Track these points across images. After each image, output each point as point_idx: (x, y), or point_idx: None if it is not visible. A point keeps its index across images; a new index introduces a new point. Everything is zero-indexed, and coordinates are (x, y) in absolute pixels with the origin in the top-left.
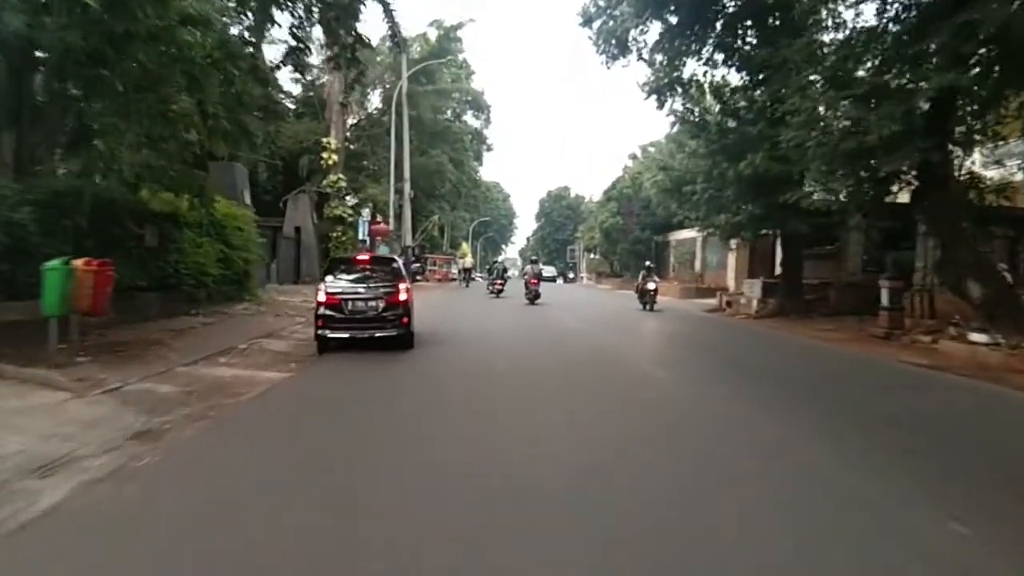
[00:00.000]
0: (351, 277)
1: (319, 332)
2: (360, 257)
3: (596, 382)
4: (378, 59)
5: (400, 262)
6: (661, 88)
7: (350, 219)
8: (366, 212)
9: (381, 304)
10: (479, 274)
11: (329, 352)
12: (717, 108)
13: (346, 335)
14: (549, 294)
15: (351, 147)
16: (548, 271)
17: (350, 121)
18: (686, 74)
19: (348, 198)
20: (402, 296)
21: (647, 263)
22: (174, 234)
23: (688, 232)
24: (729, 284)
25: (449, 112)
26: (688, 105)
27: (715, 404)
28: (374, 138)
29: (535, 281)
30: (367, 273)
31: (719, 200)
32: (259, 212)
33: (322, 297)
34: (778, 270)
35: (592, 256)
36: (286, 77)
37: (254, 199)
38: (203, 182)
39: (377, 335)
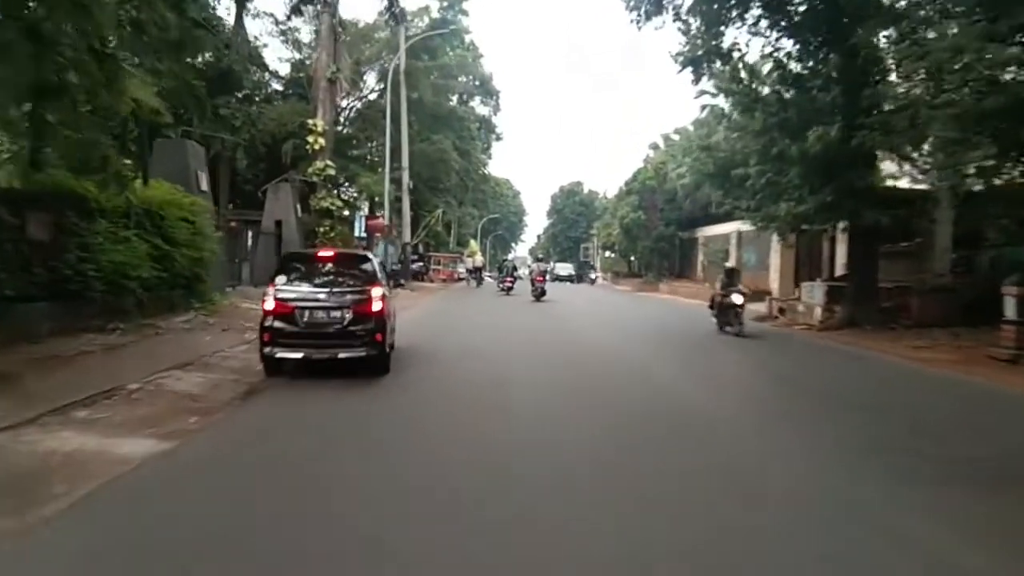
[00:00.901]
0: (310, 279)
1: (265, 350)
2: (323, 253)
3: (662, 455)
4: (376, 36)
5: (375, 260)
6: (697, 59)
7: (339, 212)
8: (364, 206)
9: (347, 315)
10: (489, 273)
11: (269, 389)
12: (768, 76)
13: (299, 355)
14: (566, 296)
15: (343, 131)
16: (564, 268)
17: (344, 103)
18: (726, 43)
19: (343, 187)
20: (375, 305)
21: (727, 264)
22: (79, 226)
23: (721, 227)
24: (772, 287)
25: (455, 99)
26: (735, 74)
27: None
28: (370, 121)
29: (541, 278)
30: (331, 274)
31: (777, 186)
32: (239, 204)
33: (270, 304)
34: (837, 270)
35: (608, 254)
36: (273, 56)
37: (232, 188)
38: (107, 152)
39: (341, 356)
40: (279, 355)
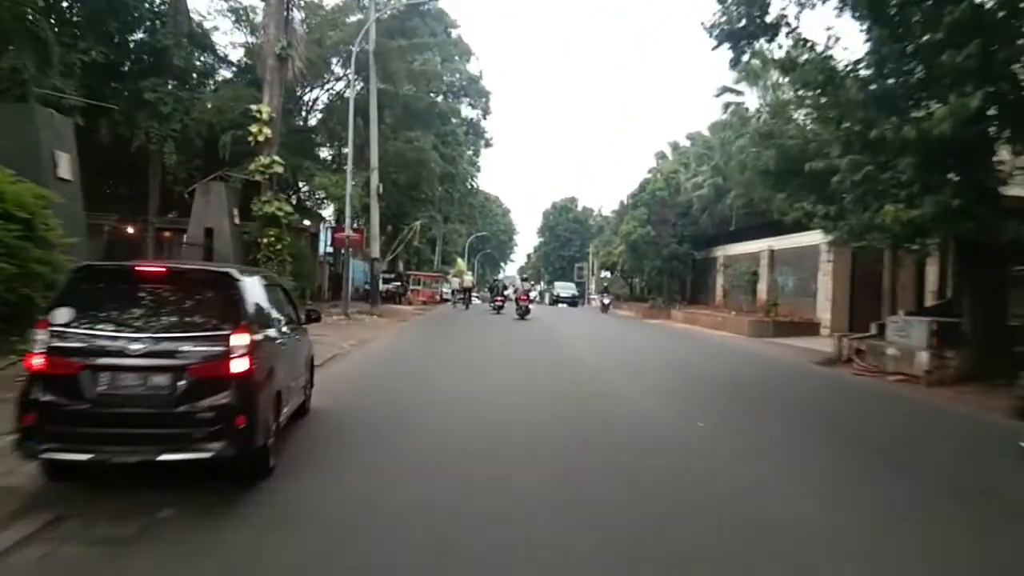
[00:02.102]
0: (117, 314)
1: (25, 444)
2: (144, 268)
3: None
4: (346, 19)
5: (245, 282)
6: (737, 32)
7: (289, 219)
8: (328, 214)
9: (182, 381)
10: (478, 294)
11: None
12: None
13: (84, 457)
14: (564, 324)
15: (305, 125)
16: (565, 289)
17: (308, 94)
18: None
19: (301, 191)
20: (236, 363)
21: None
22: None
23: (746, 245)
24: (821, 316)
25: (440, 98)
26: (799, 44)
27: None
28: (338, 117)
29: (524, 298)
30: (158, 306)
31: (876, 183)
32: (168, 211)
33: (38, 360)
34: (926, 298)
35: (605, 275)
36: (226, 41)
37: (164, 191)
38: None
39: (164, 458)
40: (49, 455)
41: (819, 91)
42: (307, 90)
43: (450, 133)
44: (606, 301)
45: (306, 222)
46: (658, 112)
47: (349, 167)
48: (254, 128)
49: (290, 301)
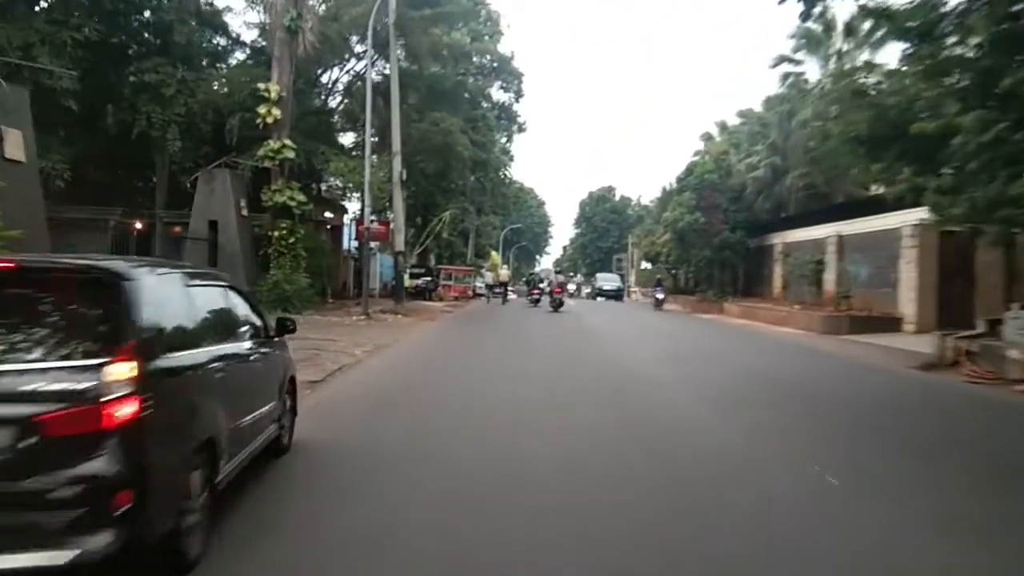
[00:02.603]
0: None
1: None
2: None
3: None
4: None
5: (138, 283)
6: None
7: (302, 209)
8: (353, 208)
9: (27, 439)
10: (513, 288)
11: None
12: None
13: None
14: (607, 322)
15: (325, 109)
16: (608, 281)
17: (327, 75)
18: None
19: (322, 179)
20: (115, 409)
21: None
22: None
23: (809, 231)
24: (903, 310)
25: (469, 80)
26: None
27: None
28: (359, 100)
29: (559, 290)
30: None
31: (1005, 146)
32: (177, 201)
33: None
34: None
35: (647, 266)
36: (238, 21)
37: (171, 181)
38: None
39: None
40: None
41: (921, 40)
42: (324, 70)
43: (480, 118)
44: (660, 296)
45: (328, 214)
46: (696, 94)
47: (367, 150)
48: (262, 109)
49: (254, 309)
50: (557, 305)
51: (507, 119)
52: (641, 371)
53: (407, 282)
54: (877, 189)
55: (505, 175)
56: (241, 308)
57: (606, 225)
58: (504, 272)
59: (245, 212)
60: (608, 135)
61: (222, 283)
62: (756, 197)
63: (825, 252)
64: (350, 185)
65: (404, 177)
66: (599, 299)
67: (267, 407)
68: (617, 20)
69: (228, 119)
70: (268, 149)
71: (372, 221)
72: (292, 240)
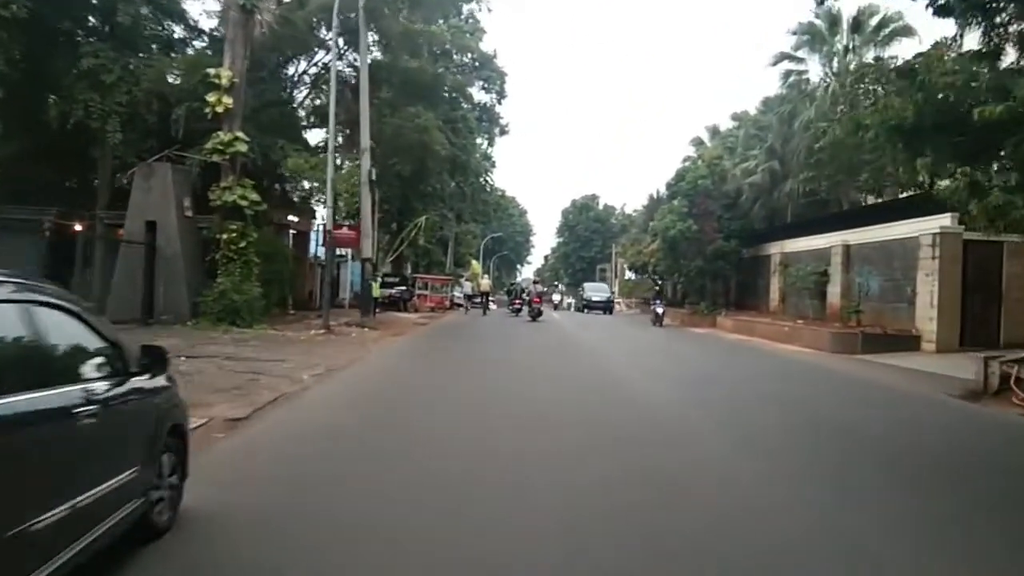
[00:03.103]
0: None
1: None
2: None
3: None
4: None
5: None
6: None
7: (255, 209)
8: (322, 212)
9: None
10: (494, 299)
11: None
12: None
13: None
14: (596, 337)
15: (290, 103)
16: (597, 291)
17: (292, 67)
18: None
19: (288, 181)
20: None
21: None
22: None
23: (810, 240)
24: (922, 327)
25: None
26: None
27: None
28: (325, 89)
29: (538, 300)
30: None
31: None
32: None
33: None
34: None
35: (630, 276)
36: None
37: (114, 178)
38: None
39: None
40: None
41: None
42: (289, 61)
43: (461, 119)
44: (659, 310)
45: (292, 218)
46: (681, 102)
47: (330, 143)
48: (211, 97)
49: (107, 339)
50: (536, 315)
51: (488, 121)
52: (650, 402)
53: (375, 291)
54: (901, 192)
55: (486, 181)
56: (76, 338)
57: (589, 234)
58: (485, 282)
59: (190, 212)
60: (592, 143)
61: (45, 300)
62: (752, 204)
63: (829, 263)
64: (316, 185)
65: (375, 177)
66: (586, 312)
67: (120, 477)
68: (601, 26)
69: (175, 109)
70: (217, 142)
71: (343, 226)
72: (243, 244)
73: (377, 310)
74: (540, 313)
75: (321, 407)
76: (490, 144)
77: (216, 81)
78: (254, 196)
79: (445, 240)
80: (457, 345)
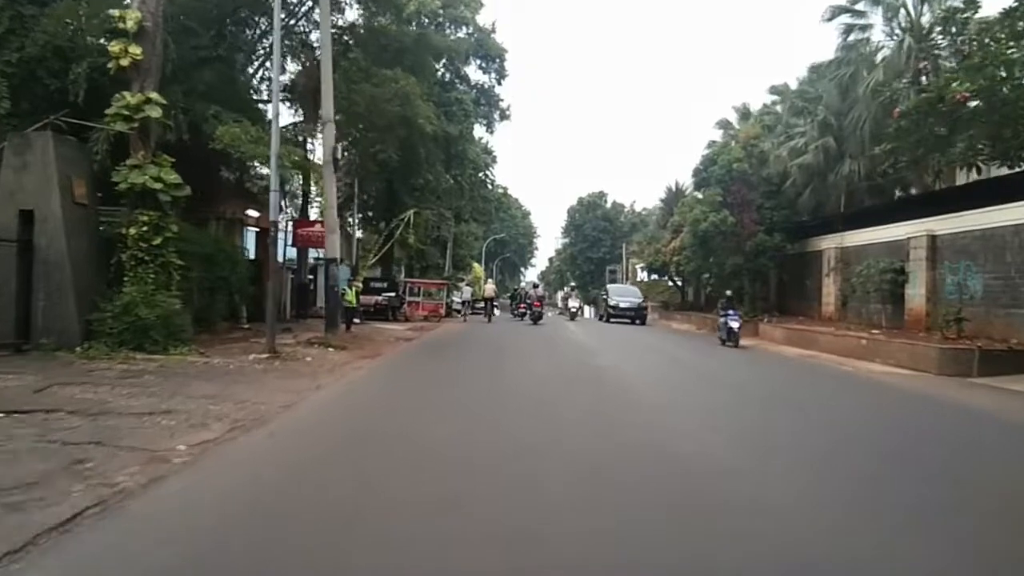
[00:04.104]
0: None
1: None
2: None
3: None
4: None
5: None
6: None
7: (171, 195)
8: (295, 208)
9: None
10: (497, 303)
11: None
12: None
13: None
14: (629, 360)
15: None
16: (624, 296)
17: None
18: None
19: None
20: None
21: None
22: None
23: (877, 232)
24: None
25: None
26: None
27: None
28: (292, 55)
29: (538, 304)
30: None
31: None
32: None
33: None
34: None
35: (643, 278)
36: None
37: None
38: None
39: None
40: None
41: None
42: (245, 23)
43: (455, 102)
44: (734, 324)
45: (252, 212)
46: (698, 87)
47: (275, 101)
48: (114, 47)
49: None
50: (536, 318)
51: (487, 104)
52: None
53: (349, 299)
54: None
55: (487, 176)
56: None
57: (597, 234)
58: (489, 287)
59: (84, 200)
60: (597, 139)
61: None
62: (802, 190)
63: (908, 258)
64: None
65: (340, 156)
66: (610, 320)
67: None
68: (607, 19)
69: (72, 67)
70: (122, 105)
71: (315, 222)
72: (158, 241)
73: (357, 321)
74: (541, 316)
75: (177, 511)
76: (489, 130)
77: (119, 23)
78: (173, 177)
79: (443, 241)
80: (445, 374)
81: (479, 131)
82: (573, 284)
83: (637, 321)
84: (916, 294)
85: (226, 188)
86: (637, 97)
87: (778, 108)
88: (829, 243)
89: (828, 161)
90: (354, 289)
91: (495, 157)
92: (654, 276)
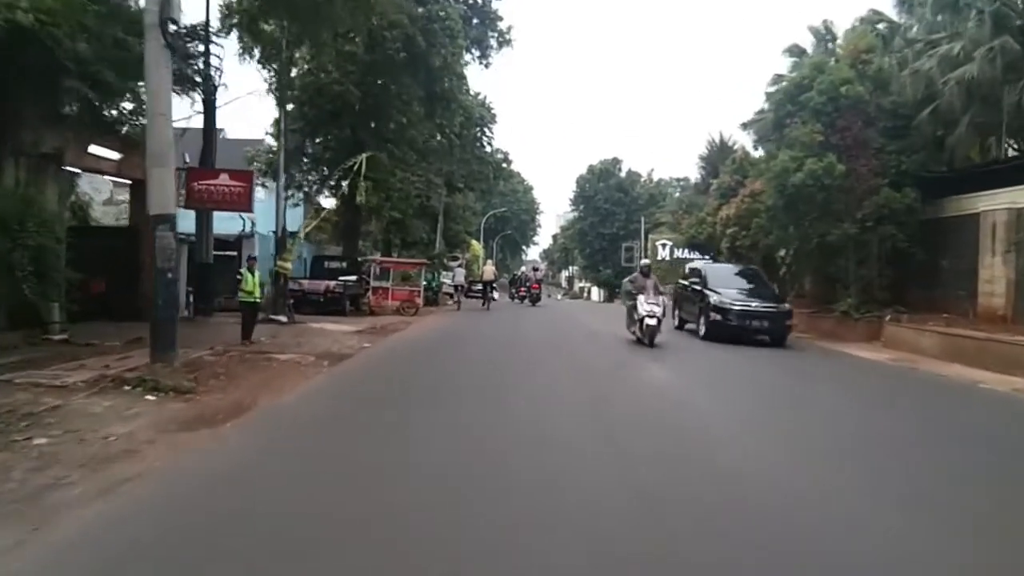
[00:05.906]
0: None
1: None
2: None
3: None
4: None
5: None
6: None
7: None
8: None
9: None
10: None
11: None
12: None
13: None
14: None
15: None
16: (744, 289)
17: None
18: None
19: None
20: None
21: None
22: None
23: None
24: None
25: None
26: None
27: None
28: None
29: (536, 286)
30: None
31: None
32: None
33: None
34: None
35: (665, 257)
36: None
37: None
38: None
39: None
40: None
41: None
42: None
43: (436, 18)
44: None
45: (111, 153)
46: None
47: None
48: None
49: None
50: (535, 299)
51: (480, 20)
52: None
53: (249, 289)
54: None
55: (483, 134)
56: None
57: (610, 206)
58: (489, 268)
59: None
60: (609, 101)
61: None
62: (960, 117)
63: None
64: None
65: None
66: (708, 338)
67: None
68: None
69: None
70: None
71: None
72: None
73: (283, 320)
74: (539, 298)
75: None
76: (483, 60)
77: None
78: None
79: (433, 213)
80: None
81: (474, 72)
82: (648, 265)
83: (773, 341)
84: None
85: (48, 110)
86: (653, 49)
87: (891, 13)
88: (993, 202)
89: (1008, 73)
90: (256, 276)
91: (494, 115)
92: (694, 253)
